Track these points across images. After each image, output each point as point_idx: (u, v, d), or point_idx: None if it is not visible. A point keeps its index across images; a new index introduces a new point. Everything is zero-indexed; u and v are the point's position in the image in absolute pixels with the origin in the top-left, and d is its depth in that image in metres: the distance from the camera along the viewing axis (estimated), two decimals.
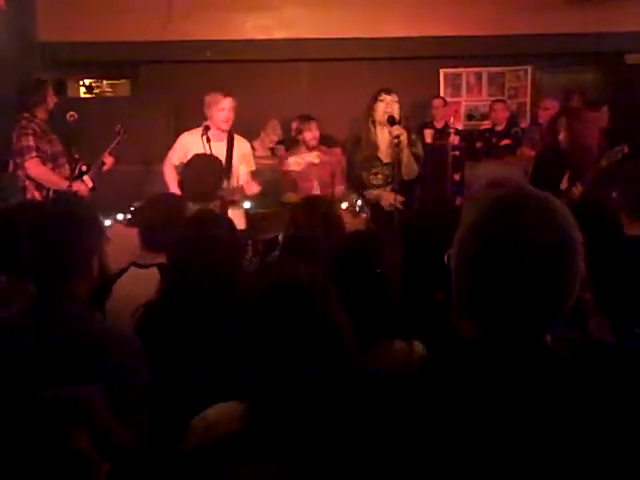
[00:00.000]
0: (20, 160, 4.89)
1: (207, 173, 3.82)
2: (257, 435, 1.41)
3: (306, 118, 5.68)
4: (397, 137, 4.42)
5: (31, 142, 4.87)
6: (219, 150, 4.64)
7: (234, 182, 4.76)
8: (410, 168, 4.59)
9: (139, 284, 2.73)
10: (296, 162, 4.84)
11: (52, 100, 5.15)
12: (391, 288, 2.16)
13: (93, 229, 2.06)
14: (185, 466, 1.48)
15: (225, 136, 4.88)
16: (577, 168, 4.55)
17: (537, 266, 1.18)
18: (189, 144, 4.72)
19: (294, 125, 6.58)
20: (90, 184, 5.04)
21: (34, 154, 4.86)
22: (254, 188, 4.84)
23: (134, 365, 1.92)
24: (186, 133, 4.91)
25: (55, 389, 1.38)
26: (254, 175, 5.00)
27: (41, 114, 5.06)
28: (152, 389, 2.01)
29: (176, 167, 4.79)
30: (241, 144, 5.01)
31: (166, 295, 2.36)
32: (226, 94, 4.85)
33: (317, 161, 4.89)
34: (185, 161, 4.26)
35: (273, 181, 5.57)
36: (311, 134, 5.57)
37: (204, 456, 1.44)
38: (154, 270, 2.72)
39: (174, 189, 4.62)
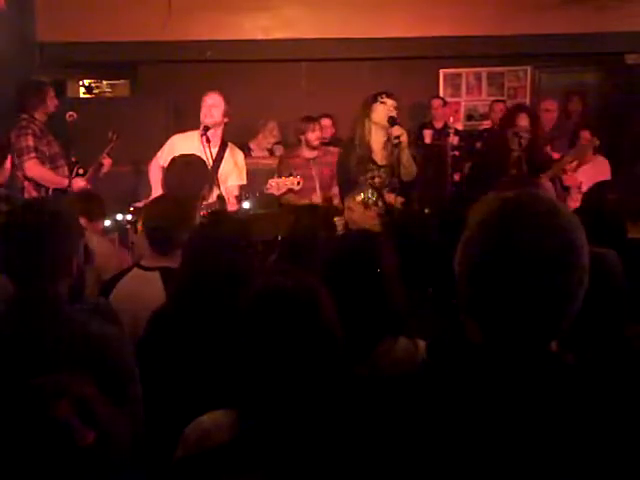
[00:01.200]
0: (19, 160, 4.88)
1: (188, 173, 3.77)
2: (248, 444, 1.40)
3: (310, 119, 5.63)
4: (397, 137, 4.37)
5: (30, 142, 4.87)
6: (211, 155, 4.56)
7: (221, 191, 4.50)
8: (409, 169, 4.54)
9: (140, 286, 2.73)
10: (277, 185, 4.65)
11: (52, 103, 5.13)
12: (393, 286, 2.16)
13: (72, 229, 2.07)
14: (176, 474, 1.47)
15: (218, 142, 4.70)
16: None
17: (540, 269, 1.16)
18: (179, 146, 4.57)
19: (323, 123, 6.64)
20: (86, 187, 5.03)
21: (33, 154, 4.85)
22: (233, 205, 4.57)
23: (118, 359, 1.94)
24: (178, 135, 4.79)
25: (44, 376, 1.36)
26: (243, 188, 4.83)
27: (40, 116, 5.05)
28: (159, 393, 2.02)
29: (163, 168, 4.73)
30: (234, 154, 4.82)
31: (178, 297, 2.34)
32: (212, 90, 4.73)
33: (297, 188, 4.69)
34: None
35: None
36: (314, 135, 5.52)
37: (195, 465, 1.43)
38: (157, 273, 2.70)
39: (157, 190, 4.54)
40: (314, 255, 2.50)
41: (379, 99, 4.55)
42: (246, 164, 5.01)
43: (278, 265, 2.66)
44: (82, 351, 1.87)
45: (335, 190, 5.57)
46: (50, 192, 4.91)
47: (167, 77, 7.80)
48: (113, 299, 2.80)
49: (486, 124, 7.56)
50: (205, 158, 4.24)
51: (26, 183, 4.92)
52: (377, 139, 4.60)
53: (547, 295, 1.17)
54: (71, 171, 5.04)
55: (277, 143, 7.27)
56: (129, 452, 1.26)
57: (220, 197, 4.30)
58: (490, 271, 1.19)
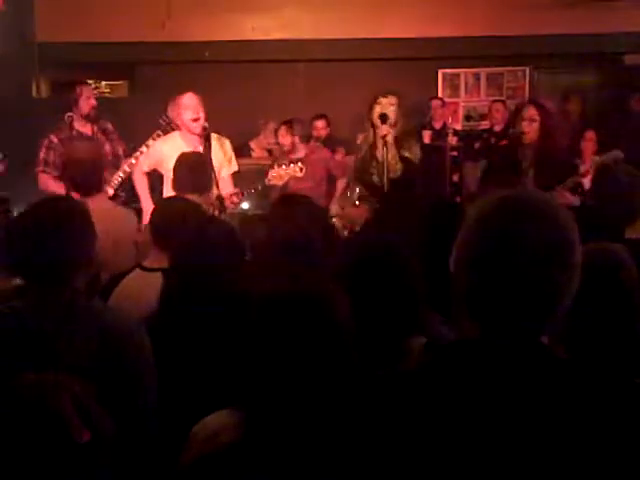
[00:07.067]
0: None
1: (198, 166, 3.83)
2: (255, 445, 1.38)
3: (284, 122, 5.71)
4: (383, 137, 4.40)
5: (42, 154, 4.83)
6: None
7: (219, 191, 4.33)
8: (393, 167, 4.53)
9: (142, 287, 2.70)
10: (278, 176, 4.59)
11: (86, 104, 4.97)
12: (414, 286, 2.17)
13: (90, 225, 2.09)
14: (185, 476, 1.46)
15: (201, 141, 4.48)
16: (545, 167, 4.38)
17: (532, 266, 1.19)
18: (164, 149, 4.52)
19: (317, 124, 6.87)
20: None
21: (41, 168, 4.84)
22: (235, 200, 4.34)
23: (138, 354, 1.97)
24: (160, 140, 4.66)
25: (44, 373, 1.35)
26: (236, 176, 4.73)
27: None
28: (164, 394, 2.02)
29: (147, 174, 4.64)
30: (221, 144, 4.64)
31: (167, 299, 2.35)
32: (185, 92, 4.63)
33: (301, 175, 4.66)
34: (157, 168, 4.45)
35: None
36: (285, 140, 5.62)
37: (206, 466, 1.41)
38: (159, 275, 2.69)
39: (145, 195, 4.56)
40: (313, 251, 2.50)
41: (375, 100, 4.57)
42: (246, 164, 5.00)
43: (287, 268, 2.63)
44: (100, 343, 1.90)
45: (340, 182, 5.64)
46: None
47: (165, 78, 7.79)
48: (114, 300, 2.78)
49: (485, 124, 7.57)
50: None
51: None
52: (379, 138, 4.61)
53: (541, 289, 1.20)
54: None
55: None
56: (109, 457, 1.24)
57: (219, 198, 4.27)
58: (483, 267, 1.22)
